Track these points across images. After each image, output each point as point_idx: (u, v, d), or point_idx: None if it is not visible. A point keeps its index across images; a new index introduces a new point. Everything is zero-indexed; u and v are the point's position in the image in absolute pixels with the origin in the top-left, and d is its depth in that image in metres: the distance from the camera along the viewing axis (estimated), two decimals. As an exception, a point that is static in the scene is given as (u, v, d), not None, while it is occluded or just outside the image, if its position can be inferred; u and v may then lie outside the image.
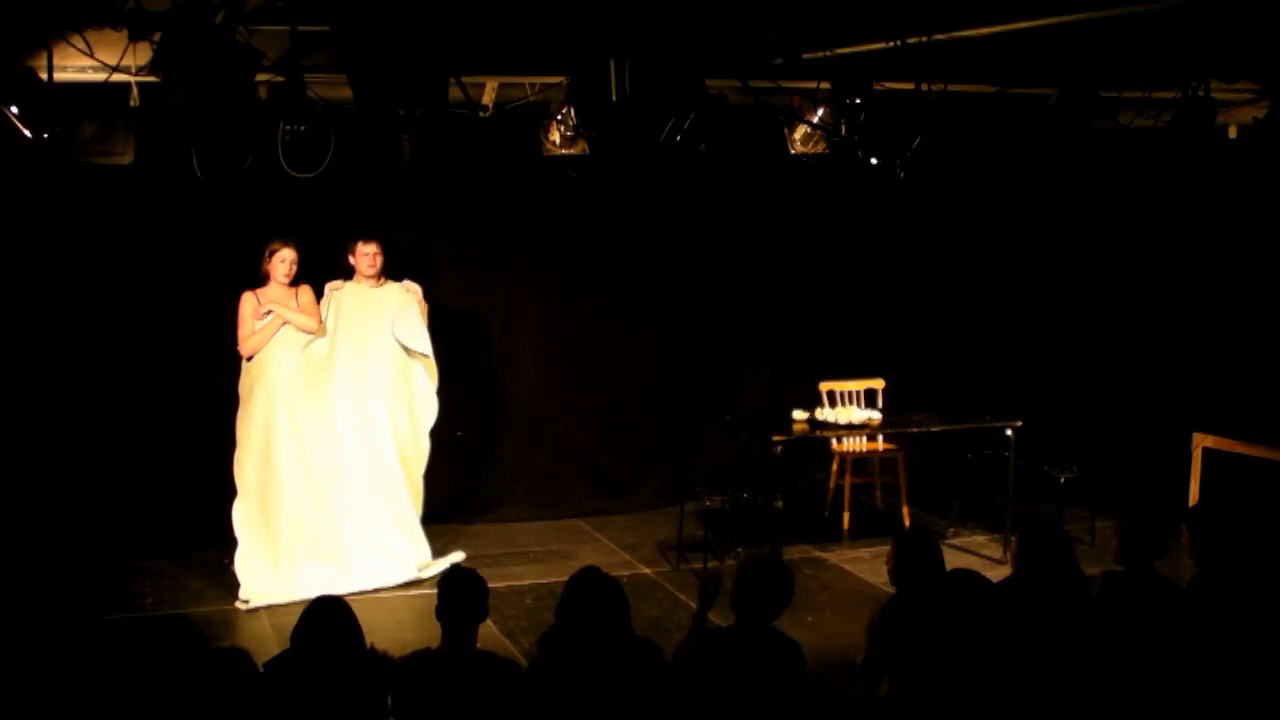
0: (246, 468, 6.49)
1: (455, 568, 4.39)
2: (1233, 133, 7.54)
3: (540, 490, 8.17)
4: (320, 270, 6.80)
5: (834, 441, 7.74)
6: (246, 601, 6.28)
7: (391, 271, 6.90)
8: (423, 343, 6.73)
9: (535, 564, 7.09)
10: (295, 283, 6.61)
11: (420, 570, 6.74)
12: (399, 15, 5.04)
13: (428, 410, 6.88)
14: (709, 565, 6.78)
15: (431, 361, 6.81)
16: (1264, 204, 7.63)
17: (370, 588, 6.50)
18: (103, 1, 4.91)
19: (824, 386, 7.86)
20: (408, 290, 6.83)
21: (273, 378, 6.49)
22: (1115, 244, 8.55)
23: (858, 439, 7.70)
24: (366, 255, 6.73)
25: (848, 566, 7.07)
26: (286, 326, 6.54)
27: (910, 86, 6.03)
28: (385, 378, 6.72)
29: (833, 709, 4.23)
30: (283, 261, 6.54)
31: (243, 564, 6.42)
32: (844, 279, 8.71)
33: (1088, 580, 4.36)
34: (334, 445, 6.58)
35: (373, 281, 6.80)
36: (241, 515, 6.48)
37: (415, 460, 6.88)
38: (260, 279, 6.58)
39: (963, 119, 6.67)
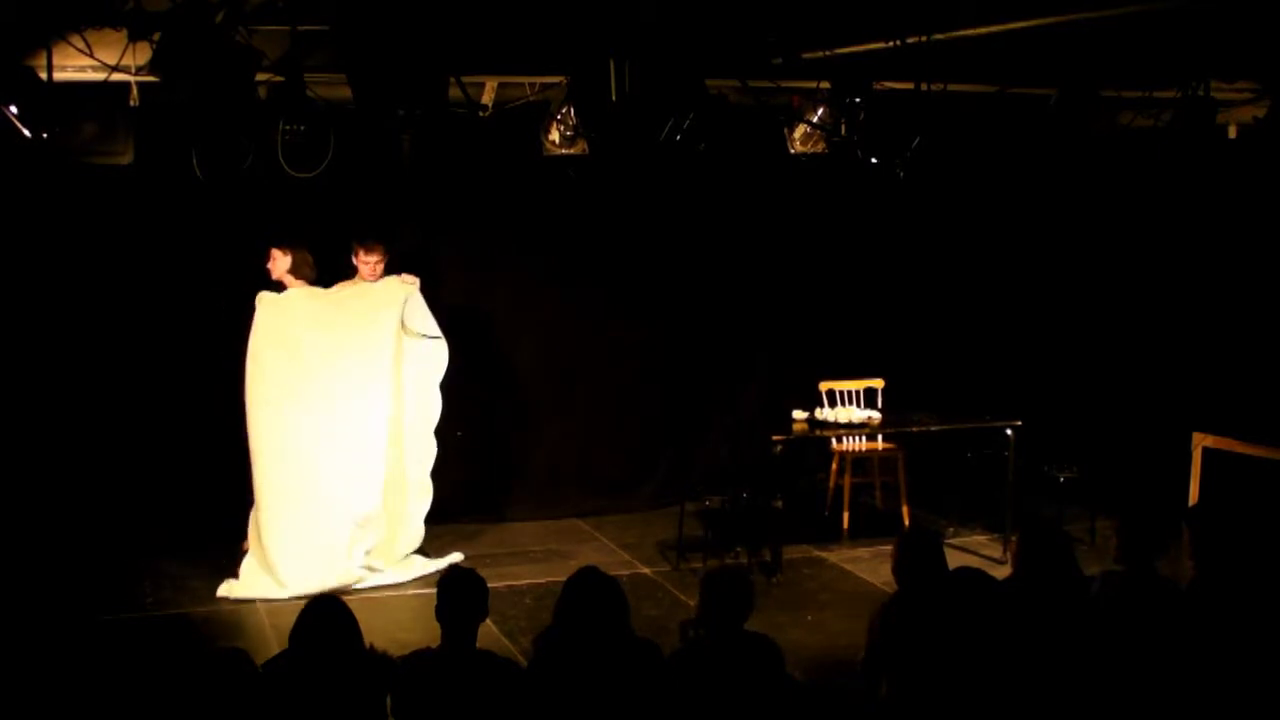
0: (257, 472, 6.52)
1: (455, 568, 4.40)
2: (1233, 133, 7.54)
3: (540, 490, 8.17)
4: (321, 270, 6.81)
5: (834, 441, 7.74)
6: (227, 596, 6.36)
7: (392, 271, 6.91)
8: (430, 326, 6.73)
9: (535, 564, 7.10)
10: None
11: (399, 566, 6.73)
12: (399, 15, 5.04)
13: (430, 403, 6.87)
14: (709, 565, 6.78)
15: (442, 342, 6.82)
16: (1264, 204, 7.62)
17: (356, 585, 6.53)
18: (103, 1, 4.91)
19: (824, 386, 7.86)
20: (405, 281, 6.81)
21: (269, 382, 6.50)
22: (1115, 244, 8.55)
23: (857, 439, 7.70)
24: (368, 264, 6.76)
25: (848, 566, 7.07)
26: (277, 330, 6.54)
27: (910, 86, 6.03)
28: (375, 373, 6.68)
29: (816, 704, 4.24)
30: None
31: (248, 569, 6.47)
32: (844, 279, 8.70)
33: (1088, 580, 4.36)
34: (328, 442, 6.57)
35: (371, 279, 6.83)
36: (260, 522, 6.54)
37: (417, 454, 6.86)
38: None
39: (963, 119, 6.66)
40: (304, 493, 6.49)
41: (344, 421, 6.59)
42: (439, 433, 7.00)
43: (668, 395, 8.44)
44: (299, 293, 6.66)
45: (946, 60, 5.76)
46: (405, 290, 6.76)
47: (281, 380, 6.50)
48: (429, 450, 6.92)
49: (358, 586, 6.48)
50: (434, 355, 6.86)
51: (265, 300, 6.54)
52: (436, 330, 6.78)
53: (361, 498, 6.61)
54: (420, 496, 6.91)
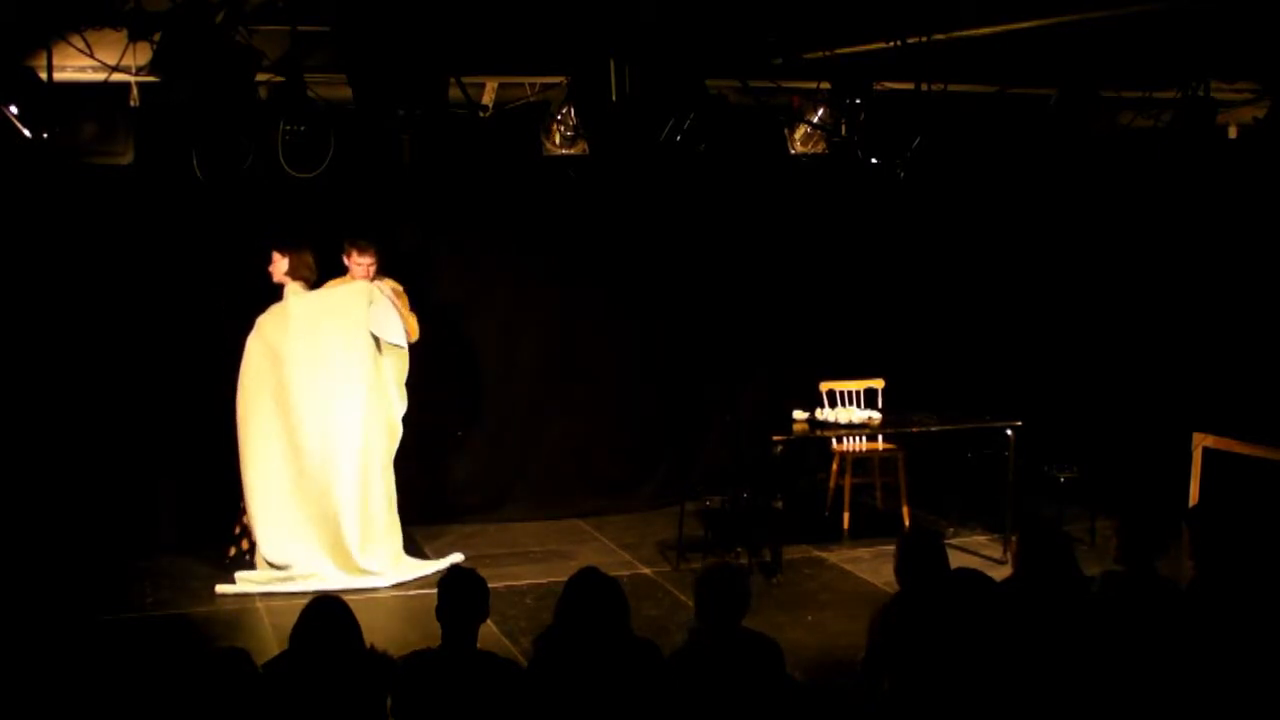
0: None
1: (455, 568, 4.39)
2: (1233, 133, 7.54)
3: (540, 490, 8.16)
4: (322, 270, 6.82)
5: (834, 441, 7.74)
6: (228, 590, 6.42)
7: (390, 271, 6.90)
8: (392, 334, 6.70)
9: (535, 564, 7.09)
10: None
11: (398, 566, 6.75)
12: (399, 15, 5.04)
13: (398, 400, 6.86)
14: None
15: (405, 352, 6.79)
16: (1264, 204, 7.62)
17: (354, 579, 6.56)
18: (103, 1, 4.91)
19: (824, 386, 7.86)
20: (376, 285, 6.76)
21: (257, 388, 6.56)
22: (1115, 244, 8.55)
23: (858, 439, 7.70)
24: (361, 265, 6.75)
25: (848, 566, 7.06)
26: (263, 332, 6.59)
27: (910, 86, 6.03)
28: (347, 374, 6.66)
29: (816, 704, 4.24)
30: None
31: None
32: (844, 279, 8.70)
33: (1088, 580, 4.36)
34: (313, 440, 6.59)
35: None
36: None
37: (385, 449, 6.87)
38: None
39: (963, 119, 6.66)
40: (286, 480, 6.54)
41: (324, 419, 6.59)
42: (438, 433, 6.99)
43: (668, 395, 8.44)
44: (288, 300, 6.67)
45: (946, 60, 5.76)
46: (370, 293, 6.70)
47: (268, 384, 6.55)
48: (390, 445, 6.89)
49: (357, 586, 6.47)
50: (398, 359, 6.84)
51: (259, 323, 6.61)
52: (399, 339, 6.73)
53: (335, 492, 6.62)
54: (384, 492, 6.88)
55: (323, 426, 6.58)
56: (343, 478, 6.60)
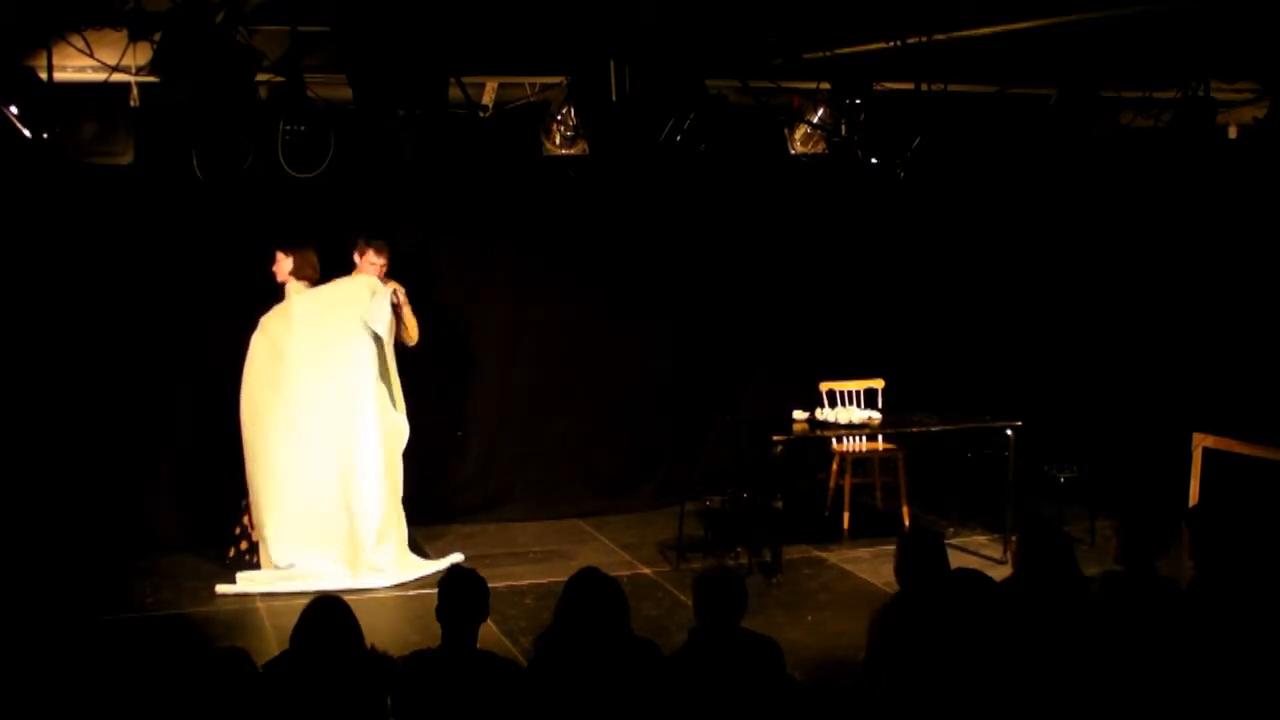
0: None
1: (455, 568, 4.39)
2: (1233, 133, 7.55)
3: (540, 490, 8.16)
4: (324, 270, 6.81)
5: (834, 441, 7.74)
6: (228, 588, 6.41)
7: (390, 271, 6.91)
8: (380, 325, 6.69)
9: (535, 564, 7.09)
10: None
11: (399, 566, 6.74)
12: (399, 15, 5.04)
13: (397, 394, 6.87)
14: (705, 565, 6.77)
15: (389, 343, 6.79)
16: (1264, 204, 7.63)
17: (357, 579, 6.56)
18: (103, 1, 4.92)
19: (824, 386, 7.86)
20: (384, 282, 6.78)
21: (262, 384, 6.56)
22: (1115, 244, 8.55)
23: (858, 439, 7.70)
24: (375, 265, 6.76)
25: (848, 566, 7.06)
26: (268, 330, 6.61)
27: (910, 86, 6.03)
28: (355, 369, 6.66)
29: (816, 704, 4.24)
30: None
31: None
32: (844, 279, 8.70)
33: (1088, 580, 4.36)
34: (320, 434, 6.59)
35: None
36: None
37: (392, 444, 6.87)
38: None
39: (963, 119, 6.67)
40: (296, 478, 6.53)
41: (335, 415, 6.59)
42: (438, 434, 6.98)
43: (668, 395, 8.44)
44: (290, 298, 6.68)
45: (946, 60, 5.76)
46: (373, 286, 6.69)
47: (273, 381, 6.54)
48: (395, 440, 6.90)
49: (358, 586, 6.47)
50: (386, 350, 6.85)
51: (263, 321, 6.62)
52: (383, 332, 6.71)
53: (353, 486, 6.61)
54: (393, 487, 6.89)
55: (336, 422, 6.58)
56: (362, 471, 6.61)
